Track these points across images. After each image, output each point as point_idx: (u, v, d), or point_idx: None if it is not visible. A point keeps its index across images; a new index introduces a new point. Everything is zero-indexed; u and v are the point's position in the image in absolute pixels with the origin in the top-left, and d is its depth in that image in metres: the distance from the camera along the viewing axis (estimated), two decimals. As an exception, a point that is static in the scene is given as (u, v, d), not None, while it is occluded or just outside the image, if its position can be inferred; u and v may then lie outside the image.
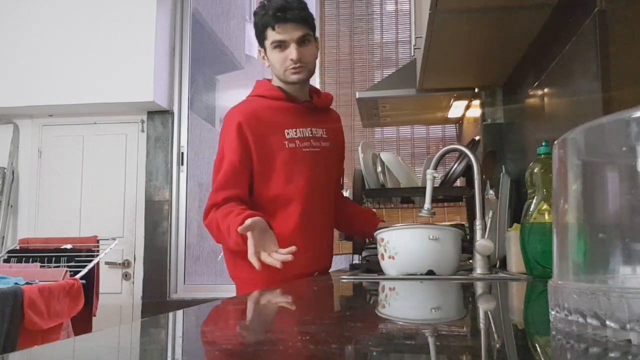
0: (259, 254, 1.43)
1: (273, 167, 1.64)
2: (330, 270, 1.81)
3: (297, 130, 1.68)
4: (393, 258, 1.39)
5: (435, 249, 1.36)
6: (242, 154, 1.61)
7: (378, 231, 1.45)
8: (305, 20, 1.64)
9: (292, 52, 1.62)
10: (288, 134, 1.66)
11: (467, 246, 1.56)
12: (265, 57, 1.70)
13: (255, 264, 1.42)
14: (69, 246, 2.94)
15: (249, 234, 1.43)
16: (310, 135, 1.70)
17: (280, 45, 1.63)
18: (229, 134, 1.63)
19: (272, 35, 1.63)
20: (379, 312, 0.84)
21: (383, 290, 1.17)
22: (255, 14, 1.68)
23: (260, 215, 1.49)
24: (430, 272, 1.35)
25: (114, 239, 3.07)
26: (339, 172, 1.89)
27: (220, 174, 1.62)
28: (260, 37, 1.68)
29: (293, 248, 1.42)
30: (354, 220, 1.88)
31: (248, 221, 1.42)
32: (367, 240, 2.10)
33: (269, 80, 1.75)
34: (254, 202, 1.64)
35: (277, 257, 1.41)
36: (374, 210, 2.50)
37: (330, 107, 1.85)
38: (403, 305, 0.95)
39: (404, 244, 1.39)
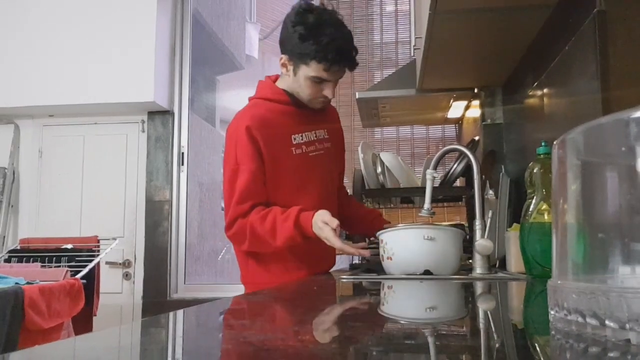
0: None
1: (283, 174, 1.61)
2: (331, 270, 1.82)
3: (303, 134, 1.67)
4: (391, 259, 1.39)
5: (432, 249, 1.35)
6: (258, 160, 1.56)
7: (379, 232, 1.45)
8: (355, 65, 1.59)
9: (329, 91, 1.59)
10: (295, 139, 1.64)
11: (466, 246, 1.56)
12: (290, 69, 1.59)
13: (353, 250, 1.55)
14: (69, 246, 2.94)
15: (326, 228, 1.46)
16: (315, 139, 1.70)
17: (320, 81, 1.57)
18: (241, 141, 1.56)
19: (316, 70, 1.54)
20: (379, 312, 0.84)
21: (382, 290, 1.17)
22: (304, 27, 1.51)
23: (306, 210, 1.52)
24: (427, 272, 1.34)
25: (114, 238, 3.06)
26: (340, 168, 1.88)
27: (239, 184, 1.55)
28: (298, 55, 1.55)
29: (364, 244, 1.58)
30: (359, 221, 1.88)
31: (326, 216, 1.47)
32: (367, 240, 2.10)
33: (273, 81, 1.69)
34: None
35: (360, 250, 1.56)
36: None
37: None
38: (402, 305, 0.95)
39: (400, 245, 1.39)
